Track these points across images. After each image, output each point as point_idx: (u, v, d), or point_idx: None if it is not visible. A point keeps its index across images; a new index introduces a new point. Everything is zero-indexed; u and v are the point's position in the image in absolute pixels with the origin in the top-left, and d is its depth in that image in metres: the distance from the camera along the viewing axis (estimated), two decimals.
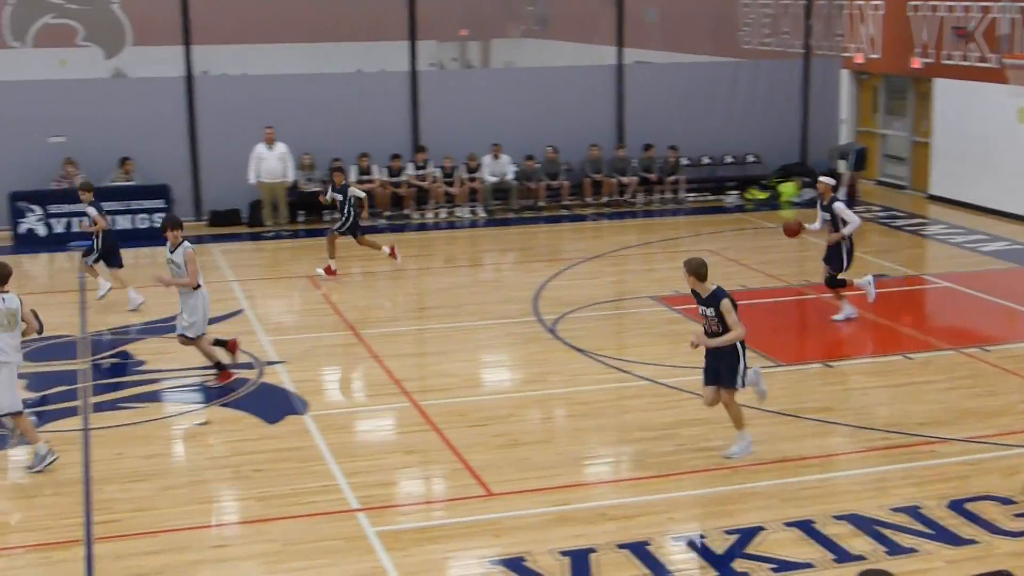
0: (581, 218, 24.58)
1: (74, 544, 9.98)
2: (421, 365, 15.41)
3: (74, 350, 15.54)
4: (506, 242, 22.98)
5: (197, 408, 13.47)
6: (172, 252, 13.67)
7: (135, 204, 22.88)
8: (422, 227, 24.10)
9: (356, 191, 19.74)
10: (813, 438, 12.30)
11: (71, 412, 13.25)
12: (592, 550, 9.75)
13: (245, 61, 32.28)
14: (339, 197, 19.54)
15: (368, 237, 19.89)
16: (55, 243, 22.08)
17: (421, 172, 24.48)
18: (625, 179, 25.41)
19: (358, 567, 9.56)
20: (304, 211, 24.12)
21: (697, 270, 11.42)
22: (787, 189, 26.04)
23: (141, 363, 15.00)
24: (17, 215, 22.35)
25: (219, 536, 10.37)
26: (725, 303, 11.25)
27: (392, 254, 19.79)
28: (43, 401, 13.59)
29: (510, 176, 25.00)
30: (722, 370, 11.46)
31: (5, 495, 11.36)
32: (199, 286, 13.74)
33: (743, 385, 11.54)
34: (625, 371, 14.39)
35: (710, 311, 11.36)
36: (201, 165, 23.99)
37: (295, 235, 23.13)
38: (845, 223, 15.95)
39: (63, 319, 16.87)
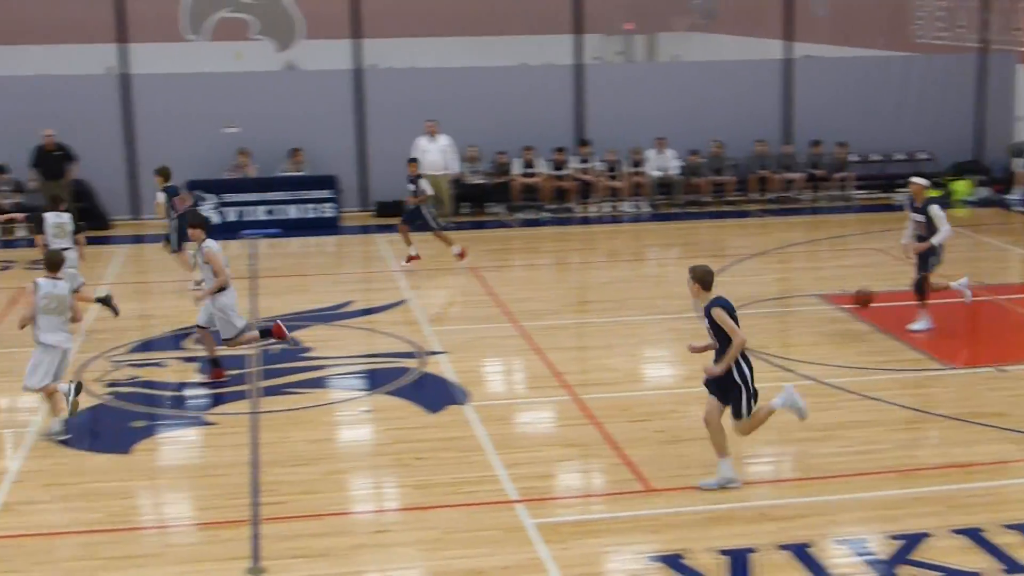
0: (746, 214, 24.29)
1: (241, 524, 10.23)
2: (582, 358, 15.40)
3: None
4: (669, 237, 22.83)
5: (361, 395, 13.68)
6: (194, 251, 13.79)
7: (304, 194, 23.38)
8: (585, 221, 24.09)
9: (425, 185, 19.79)
10: (984, 444, 11.92)
11: (241, 396, 13.58)
12: (752, 550, 9.62)
13: (412, 54, 32.64)
14: (411, 188, 19.70)
15: (447, 233, 20.01)
16: (227, 231, 22.67)
17: (585, 166, 24.47)
18: (792, 175, 25.02)
19: (516, 558, 9.59)
20: (468, 203, 24.33)
21: (703, 278, 10.71)
22: (961, 187, 25.31)
23: (308, 349, 15.29)
24: (193, 202, 23.00)
25: (380, 522, 10.51)
26: (716, 311, 10.49)
27: (461, 254, 19.78)
28: (214, 384, 13.96)
29: (674, 171, 24.82)
30: (728, 397, 10.73)
31: (177, 474, 11.73)
32: (226, 287, 13.71)
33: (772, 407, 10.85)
34: (789, 370, 14.16)
35: (706, 322, 10.69)
36: (368, 156, 24.40)
37: (458, 227, 23.32)
38: (935, 230, 15.19)
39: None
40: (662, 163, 24.72)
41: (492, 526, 10.16)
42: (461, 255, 19.81)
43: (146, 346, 15.72)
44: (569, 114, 25.00)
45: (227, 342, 13.87)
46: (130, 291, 18.67)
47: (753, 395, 10.71)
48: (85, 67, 25.49)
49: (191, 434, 12.62)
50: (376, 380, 14.09)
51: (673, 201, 24.85)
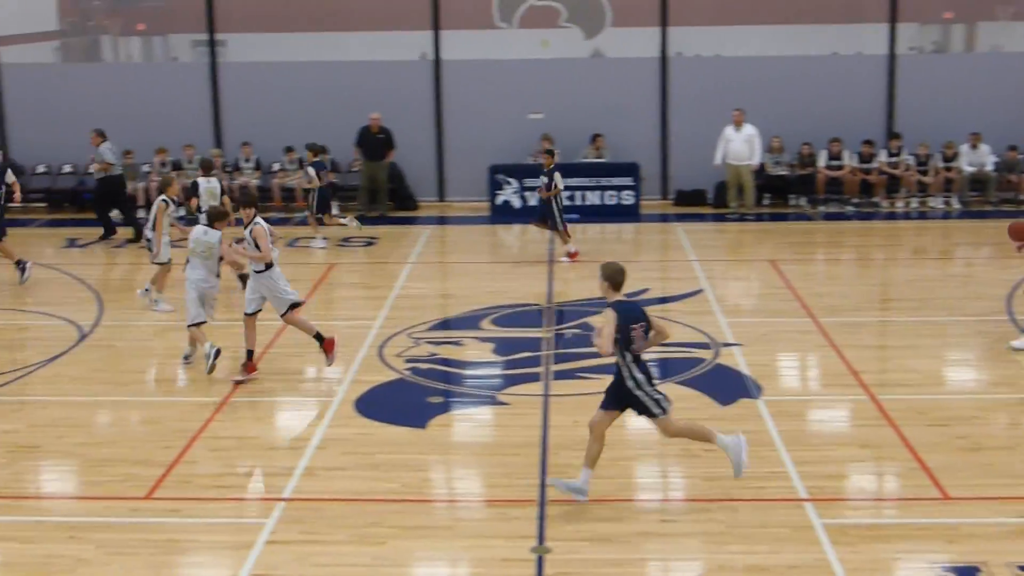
0: None
1: (528, 504, 10.38)
2: (882, 358, 14.91)
3: (540, 318, 16.16)
4: (980, 236, 21.82)
5: (654, 383, 13.61)
6: (246, 229, 13.71)
7: (604, 181, 23.51)
8: (891, 216, 23.31)
9: (559, 179, 19.50)
10: None
11: (533, 378, 13.79)
12: None
13: (719, 43, 32.28)
14: (545, 180, 19.44)
15: (567, 232, 19.66)
16: (528, 215, 23.02)
17: (894, 160, 23.66)
18: None
19: (802, 557, 9.37)
20: (770, 194, 23.94)
21: (612, 277, 10.14)
22: None
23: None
24: (495, 187, 23.50)
25: (666, 511, 10.47)
26: (606, 312, 9.99)
27: (572, 256, 19.45)
28: (509, 365, 14.23)
29: (989, 167, 23.68)
30: (622, 403, 10.25)
31: (469, 450, 12.02)
32: (271, 264, 13.61)
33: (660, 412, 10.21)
34: None
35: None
36: (670, 145, 24.33)
37: (759, 218, 22.98)
38: None
39: (531, 288, 17.63)
40: (976, 159, 23.63)
41: (779, 523, 9.97)
42: (573, 256, 19.55)
43: (445, 324, 16.16)
44: (880, 105, 24.23)
45: (284, 317, 13.80)
46: (432, 270, 19.26)
47: (659, 396, 10.22)
48: (401, 54, 26.39)
49: (484, 413, 12.90)
50: (669, 369, 14.03)
51: (986, 199, 23.74)
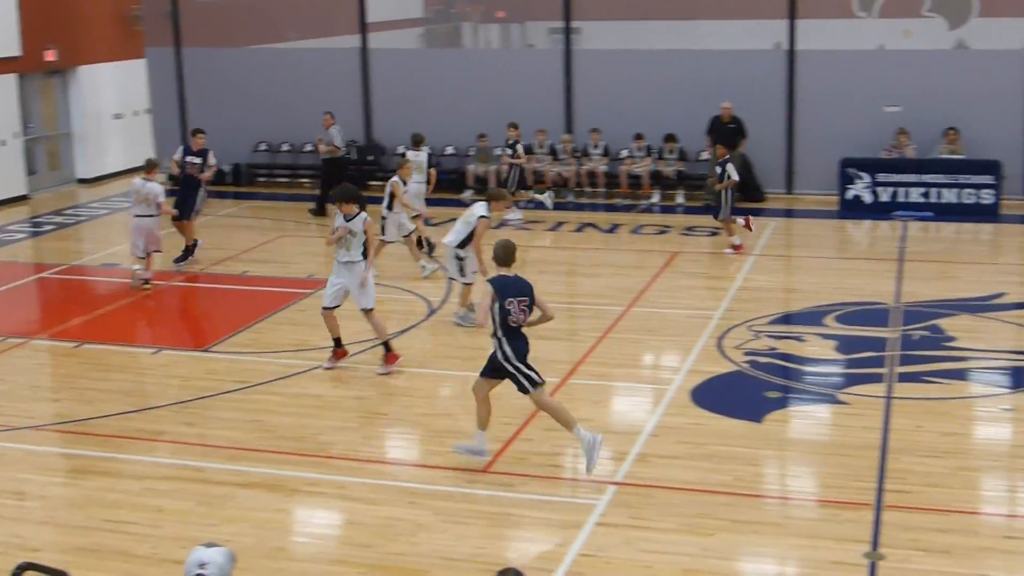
0: None
1: (863, 507, 10.09)
2: None
3: (886, 318, 15.65)
4: None
5: (1003, 392, 12.98)
6: (349, 220, 13.37)
7: (962, 178, 22.46)
8: None
9: (731, 170, 18.93)
10: None
11: (876, 379, 13.36)
12: None
13: None
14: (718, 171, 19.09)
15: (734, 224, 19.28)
16: (880, 211, 22.32)
17: None
18: None
19: None
20: None
21: (496, 253, 10.96)
22: None
23: (951, 339, 14.73)
24: (846, 181, 22.88)
25: (1010, 527, 9.95)
26: (484, 286, 10.79)
27: (737, 248, 19.19)
28: (851, 364, 13.86)
29: None
30: (501, 375, 10.83)
31: (804, 448, 11.80)
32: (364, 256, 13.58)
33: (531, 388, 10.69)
34: None
35: None
36: None
37: None
38: None
39: (879, 286, 17.09)
40: None
41: None
42: (738, 248, 19.22)
43: (787, 319, 15.89)
44: None
45: (367, 312, 13.71)
46: (776, 263, 18.97)
47: (531, 373, 10.67)
48: (755, 42, 26.06)
49: (822, 411, 12.61)
50: (1021, 378, 13.31)
51: None
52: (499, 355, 10.71)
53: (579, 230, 20.65)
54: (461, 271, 15.41)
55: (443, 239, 15.76)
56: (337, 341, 13.95)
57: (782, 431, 12.08)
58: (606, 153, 24.24)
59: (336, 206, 13.80)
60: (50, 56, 25.97)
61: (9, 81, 24.86)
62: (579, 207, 23.16)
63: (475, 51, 33.68)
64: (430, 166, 20.19)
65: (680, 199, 23.49)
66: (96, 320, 16.49)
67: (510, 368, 10.70)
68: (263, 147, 26.31)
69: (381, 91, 25.88)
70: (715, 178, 19.58)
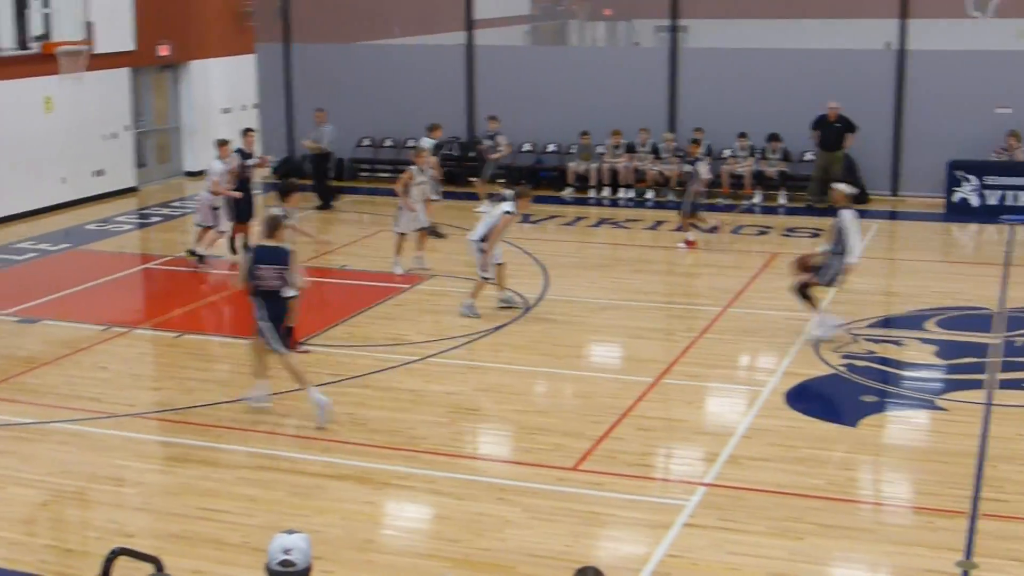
0: None
1: (958, 515, 9.90)
2: None
3: (989, 323, 15.32)
4: None
5: None
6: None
7: None
8: None
9: (702, 169, 19.43)
10: None
11: (976, 385, 13.10)
12: None
13: None
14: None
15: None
16: (987, 214, 21.87)
17: None
18: None
19: None
20: None
21: (264, 222, 12.43)
22: None
23: None
24: (953, 183, 22.45)
25: None
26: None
27: (691, 244, 19.42)
28: (951, 369, 13.61)
29: None
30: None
31: (900, 454, 11.61)
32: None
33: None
34: None
35: None
36: None
37: None
38: None
39: (983, 291, 16.76)
40: None
41: None
42: (691, 244, 19.62)
43: (886, 323, 15.65)
44: None
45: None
46: (877, 266, 18.66)
47: (280, 336, 12.00)
48: (864, 42, 25.69)
49: (919, 416, 12.40)
50: None
51: None
52: (255, 315, 12.08)
53: (678, 229, 20.52)
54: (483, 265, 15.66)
55: (468, 235, 16.17)
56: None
57: (877, 436, 11.90)
58: (708, 152, 24.05)
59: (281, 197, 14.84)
60: (163, 51, 26.52)
61: (123, 75, 25.42)
62: (679, 206, 23.00)
63: (580, 49, 33.71)
64: (434, 154, 20.48)
65: (782, 200, 23.24)
66: (198, 311, 16.80)
67: (264, 327, 12.02)
68: (366, 142, 26.58)
69: (485, 88, 25.96)
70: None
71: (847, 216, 14.45)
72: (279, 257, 12.00)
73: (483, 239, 15.46)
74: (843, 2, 29.52)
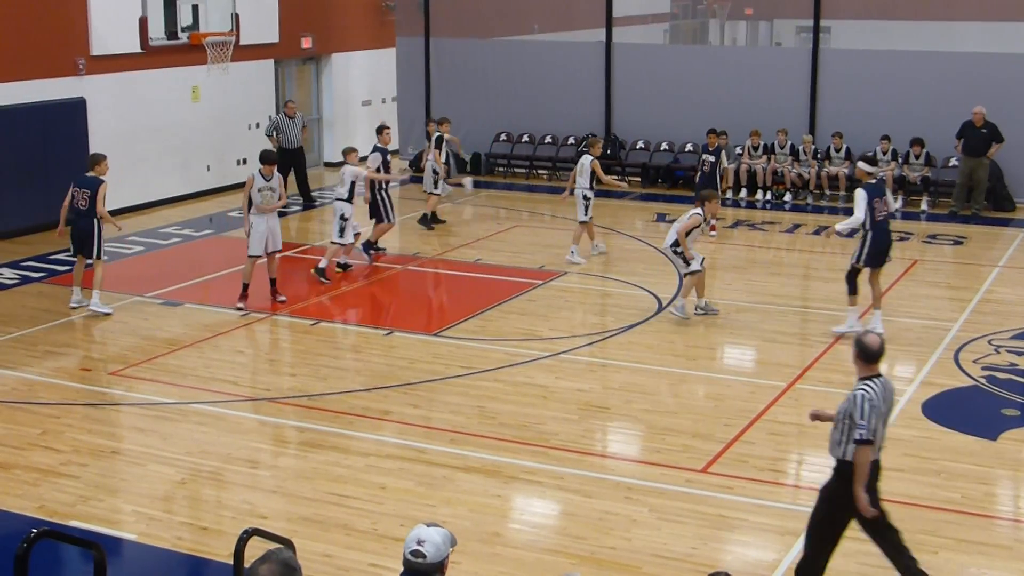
0: None
1: None
2: None
3: None
4: None
5: None
6: (268, 180, 15.91)
7: None
8: None
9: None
10: None
11: None
12: None
13: None
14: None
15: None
16: None
17: None
18: None
19: None
20: None
21: None
22: None
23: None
24: None
25: None
26: None
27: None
28: None
29: None
30: None
31: None
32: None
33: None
34: None
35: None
36: None
37: None
38: None
39: None
40: None
41: None
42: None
43: None
44: None
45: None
46: (1022, 276, 18.15)
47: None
48: (1016, 46, 24.95)
49: None
50: None
51: None
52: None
53: (816, 233, 20.21)
54: (685, 261, 15.43)
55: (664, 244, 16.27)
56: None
57: (1018, 450, 11.57)
58: (848, 156, 23.65)
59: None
60: (306, 43, 26.94)
61: (267, 66, 25.89)
62: (818, 209, 22.70)
63: (720, 48, 33.37)
64: (436, 147, 21.18)
65: (924, 205, 22.74)
66: (334, 300, 17.04)
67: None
68: (503, 137, 26.68)
69: (623, 86, 25.87)
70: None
71: (858, 191, 14.51)
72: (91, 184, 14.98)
73: (675, 244, 15.48)
74: (994, 5, 28.71)
